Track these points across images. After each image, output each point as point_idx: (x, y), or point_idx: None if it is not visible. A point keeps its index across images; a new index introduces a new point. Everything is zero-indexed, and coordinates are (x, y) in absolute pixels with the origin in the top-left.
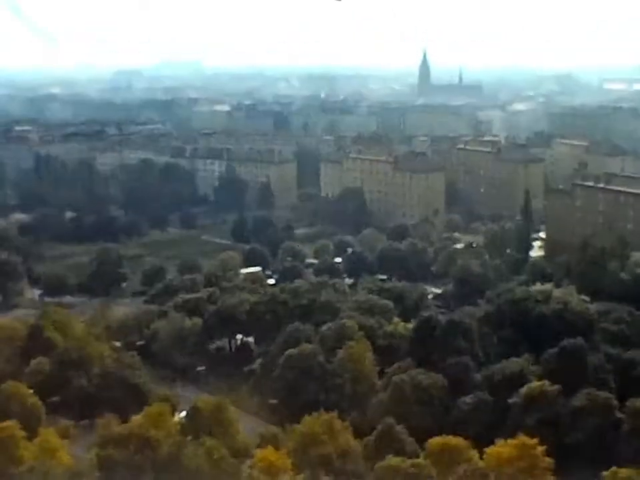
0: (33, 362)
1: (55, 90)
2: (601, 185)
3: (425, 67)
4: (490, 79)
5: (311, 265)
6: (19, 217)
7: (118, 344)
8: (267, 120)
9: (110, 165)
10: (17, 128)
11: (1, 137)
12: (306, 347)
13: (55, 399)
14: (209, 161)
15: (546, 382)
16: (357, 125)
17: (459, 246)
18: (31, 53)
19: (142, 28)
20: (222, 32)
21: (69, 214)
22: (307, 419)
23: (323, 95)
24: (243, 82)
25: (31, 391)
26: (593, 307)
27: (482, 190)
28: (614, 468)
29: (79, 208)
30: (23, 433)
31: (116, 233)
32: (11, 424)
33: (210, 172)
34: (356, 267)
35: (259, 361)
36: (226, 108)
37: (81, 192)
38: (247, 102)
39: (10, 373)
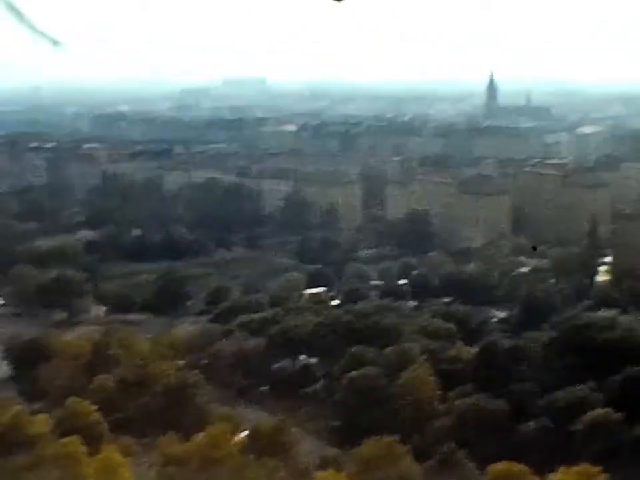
0: (97, 379)
1: (123, 108)
2: None
3: (492, 88)
4: (558, 100)
5: (375, 287)
6: (86, 234)
7: (181, 362)
8: (333, 140)
9: (176, 184)
10: (85, 146)
11: (69, 154)
12: (369, 369)
13: (118, 416)
14: (274, 181)
15: (609, 409)
16: (423, 146)
17: (525, 270)
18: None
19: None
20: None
21: (135, 232)
22: (367, 442)
23: (389, 116)
24: (308, 101)
25: (94, 407)
26: None
27: (548, 213)
28: None
29: (145, 226)
30: (85, 449)
31: (181, 252)
32: (73, 440)
33: (275, 192)
34: (420, 289)
35: (321, 382)
36: (292, 128)
37: (147, 210)
38: (314, 122)
39: (74, 389)
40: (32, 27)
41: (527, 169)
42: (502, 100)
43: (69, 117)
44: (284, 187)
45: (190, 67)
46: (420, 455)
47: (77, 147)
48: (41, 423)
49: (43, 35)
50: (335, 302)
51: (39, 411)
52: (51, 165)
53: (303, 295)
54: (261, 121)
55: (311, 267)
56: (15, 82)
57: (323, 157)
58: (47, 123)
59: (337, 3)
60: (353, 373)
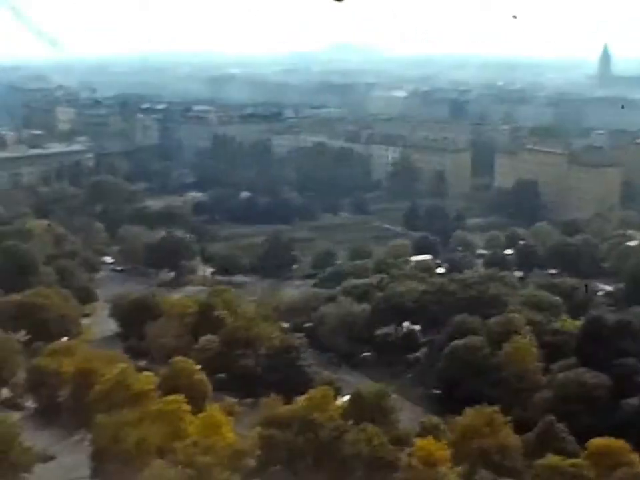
0: (202, 339)
1: (234, 71)
2: None
3: (605, 57)
4: None
5: (481, 255)
6: (195, 195)
7: (285, 325)
8: (443, 107)
9: (285, 148)
10: (196, 108)
11: (179, 116)
12: (472, 339)
13: (222, 376)
14: (383, 147)
15: None
16: (534, 116)
17: (633, 243)
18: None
19: (315, 11)
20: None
21: (243, 194)
22: (468, 411)
23: (500, 84)
24: (418, 68)
25: (199, 367)
26: None
27: None
28: None
29: (254, 189)
30: (189, 408)
31: (289, 216)
32: (177, 398)
33: (384, 158)
34: (526, 260)
35: (423, 350)
36: (402, 94)
37: (256, 173)
38: (423, 88)
39: (179, 348)
40: (31, 27)
41: (639, 140)
42: (616, 71)
43: (179, 79)
44: (392, 153)
45: (299, 31)
46: (520, 427)
47: (187, 109)
48: (147, 380)
49: (41, 34)
50: (440, 270)
51: (144, 369)
52: (161, 126)
53: (409, 261)
54: (370, 86)
55: (418, 234)
56: (126, 45)
57: (432, 124)
58: (157, 84)
59: (337, 2)
60: (456, 342)
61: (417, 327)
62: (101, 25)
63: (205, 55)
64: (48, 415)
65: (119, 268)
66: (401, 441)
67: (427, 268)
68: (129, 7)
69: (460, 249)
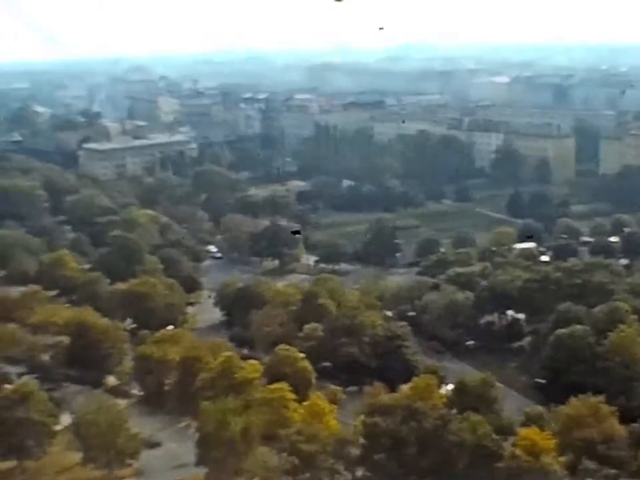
0: (306, 327)
1: (335, 59)
2: None
3: None
4: None
5: (586, 243)
6: (298, 184)
7: (389, 313)
8: (546, 93)
9: (387, 135)
10: (298, 96)
11: (281, 105)
12: (577, 328)
13: (325, 364)
14: (485, 134)
15: None
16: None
17: None
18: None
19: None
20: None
21: (346, 183)
22: (573, 401)
23: (603, 68)
24: (520, 53)
25: (303, 355)
26: None
27: None
28: None
29: (356, 177)
30: (293, 396)
31: (391, 203)
32: (282, 386)
33: (486, 145)
34: (633, 247)
35: (527, 338)
36: (504, 80)
37: (358, 161)
38: (526, 74)
39: (283, 337)
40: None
41: None
42: None
43: (280, 69)
44: (495, 140)
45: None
46: (625, 416)
47: (288, 98)
48: (251, 368)
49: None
50: (545, 257)
51: (249, 357)
52: (264, 115)
53: (513, 249)
54: (472, 73)
55: (521, 221)
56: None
57: (535, 110)
58: (258, 74)
59: (337, 2)
60: (561, 331)
61: (521, 316)
62: (205, 22)
63: (306, 47)
64: (154, 402)
65: (218, 255)
66: (504, 431)
67: (530, 256)
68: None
69: (564, 236)
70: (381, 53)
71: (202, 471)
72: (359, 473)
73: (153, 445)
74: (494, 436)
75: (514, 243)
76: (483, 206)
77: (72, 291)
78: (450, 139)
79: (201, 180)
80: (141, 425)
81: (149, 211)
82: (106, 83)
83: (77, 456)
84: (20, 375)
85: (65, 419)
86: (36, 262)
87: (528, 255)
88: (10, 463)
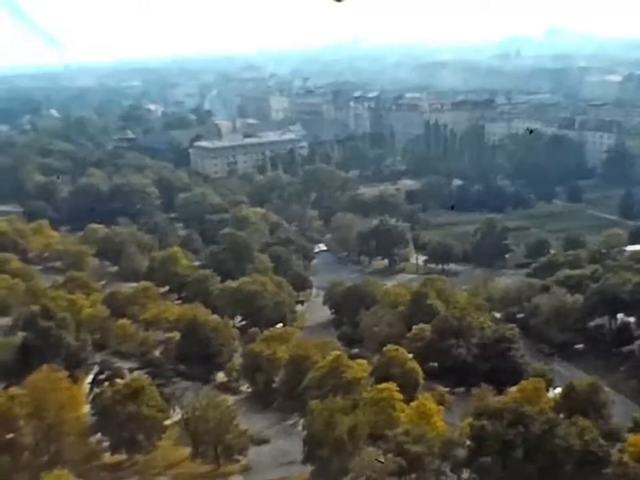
0: (415, 328)
1: (445, 57)
2: None
3: None
4: None
5: None
6: (407, 183)
7: (498, 315)
8: None
9: (498, 135)
10: (408, 95)
11: (391, 104)
12: None
13: (433, 365)
14: (598, 134)
15: None
16: None
17: None
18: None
19: None
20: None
21: (455, 182)
22: None
23: None
24: (633, 50)
25: (411, 356)
26: None
27: None
28: None
29: (466, 177)
30: (400, 396)
31: (502, 204)
32: (390, 386)
33: (598, 144)
34: None
35: (638, 342)
36: (617, 78)
37: (468, 161)
38: (639, 72)
39: (392, 337)
40: (32, 25)
41: None
42: None
43: (390, 66)
44: (607, 140)
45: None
46: None
47: (399, 97)
48: (360, 368)
49: (42, 33)
50: None
51: (357, 356)
52: (373, 113)
53: (624, 251)
54: (584, 71)
55: (633, 223)
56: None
57: None
58: (369, 72)
59: (337, 2)
60: None
61: (632, 319)
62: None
63: (416, 44)
64: (262, 399)
65: (323, 249)
66: (612, 436)
67: None
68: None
69: None
70: (491, 48)
71: (308, 468)
72: (465, 475)
73: (261, 441)
74: (601, 441)
75: (625, 245)
76: (594, 207)
77: (183, 288)
78: (561, 139)
79: (311, 178)
80: (250, 422)
81: (260, 209)
82: (217, 81)
83: (186, 451)
84: (131, 370)
85: (175, 414)
86: (148, 258)
87: (639, 258)
88: (120, 457)
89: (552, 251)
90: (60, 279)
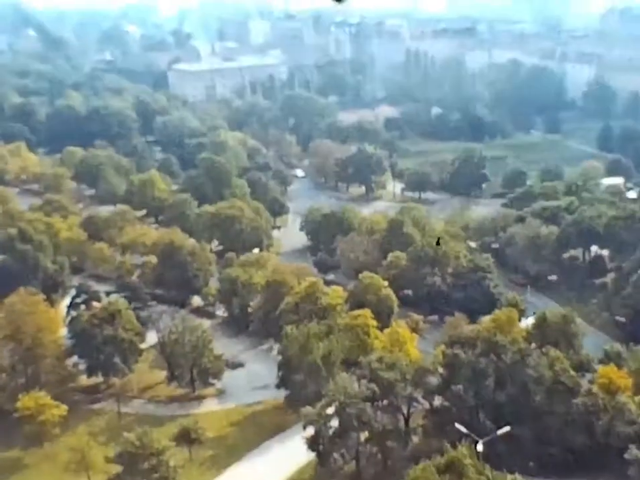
0: (390, 255)
1: None
2: None
3: None
4: None
5: None
6: (386, 110)
7: (473, 245)
8: None
9: (478, 64)
10: (389, 22)
11: (372, 30)
12: None
13: (408, 293)
14: (578, 65)
15: None
16: None
17: None
18: None
19: None
20: None
21: (434, 110)
22: None
23: None
24: None
25: (386, 283)
26: None
27: None
28: None
29: (445, 105)
30: (375, 323)
31: (480, 133)
32: (365, 312)
33: (578, 77)
34: None
35: (611, 275)
36: (600, 9)
37: (447, 89)
38: (622, 3)
39: (368, 264)
40: None
41: None
42: None
43: None
44: (587, 72)
45: None
46: None
47: (380, 23)
48: (335, 294)
49: None
50: (632, 194)
51: (333, 283)
52: (354, 40)
53: (600, 184)
54: (566, 1)
55: (610, 156)
56: None
57: (630, 42)
58: None
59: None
60: None
61: (605, 252)
62: None
63: None
64: (238, 323)
65: (301, 175)
66: (582, 367)
67: (618, 192)
68: None
69: None
70: None
71: (283, 393)
72: (437, 402)
73: (236, 365)
74: (572, 372)
75: (602, 178)
76: (573, 139)
77: (160, 212)
78: (541, 70)
79: (290, 104)
80: (225, 346)
81: (238, 134)
82: (196, 4)
83: (162, 374)
84: (108, 293)
85: (151, 338)
86: (125, 182)
87: (615, 191)
88: (97, 379)
89: (528, 182)
90: (37, 201)
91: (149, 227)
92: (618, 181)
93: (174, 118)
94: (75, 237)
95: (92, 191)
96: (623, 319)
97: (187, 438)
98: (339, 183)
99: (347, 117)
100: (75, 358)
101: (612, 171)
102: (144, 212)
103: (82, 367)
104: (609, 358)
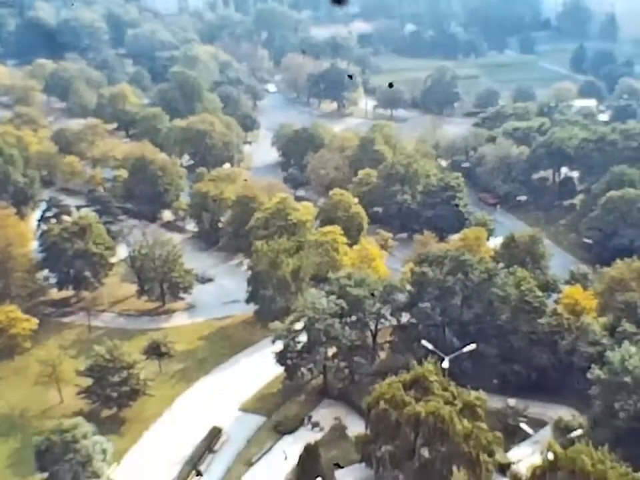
0: (361, 173)
1: None
2: None
3: None
4: None
5: None
6: (359, 26)
7: (444, 163)
8: None
9: None
10: None
11: None
12: (629, 191)
13: (378, 210)
14: None
15: None
16: None
17: None
18: None
19: None
20: None
21: (408, 27)
22: (618, 263)
23: None
24: None
25: (356, 200)
26: None
27: None
28: None
29: (419, 22)
30: (344, 239)
31: (453, 51)
32: (335, 229)
33: None
34: None
35: (580, 197)
36: None
37: (422, 6)
38: None
39: (338, 181)
40: None
41: None
42: None
43: None
44: None
45: None
46: None
47: None
48: (305, 210)
49: None
50: (604, 117)
51: (303, 199)
52: None
53: (572, 106)
54: None
55: (584, 78)
56: None
57: None
58: None
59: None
60: (613, 192)
61: (575, 174)
62: None
63: None
64: (208, 238)
65: (273, 90)
66: (549, 287)
67: (590, 114)
68: None
69: (625, 96)
70: None
71: (252, 308)
72: (404, 319)
73: (206, 280)
74: (538, 292)
75: (574, 99)
76: (546, 59)
77: (131, 126)
78: None
79: (262, 17)
80: (195, 261)
81: (210, 48)
82: None
83: (132, 288)
84: (79, 207)
85: (122, 252)
86: (96, 95)
87: (587, 113)
88: (67, 293)
89: (501, 102)
90: (7, 114)
91: (120, 140)
92: (590, 103)
93: (145, 30)
94: (45, 150)
95: (62, 104)
96: (590, 241)
97: (156, 351)
98: (311, 98)
99: (321, 32)
100: (45, 272)
101: (585, 92)
102: (115, 125)
103: (52, 280)
104: (575, 279)
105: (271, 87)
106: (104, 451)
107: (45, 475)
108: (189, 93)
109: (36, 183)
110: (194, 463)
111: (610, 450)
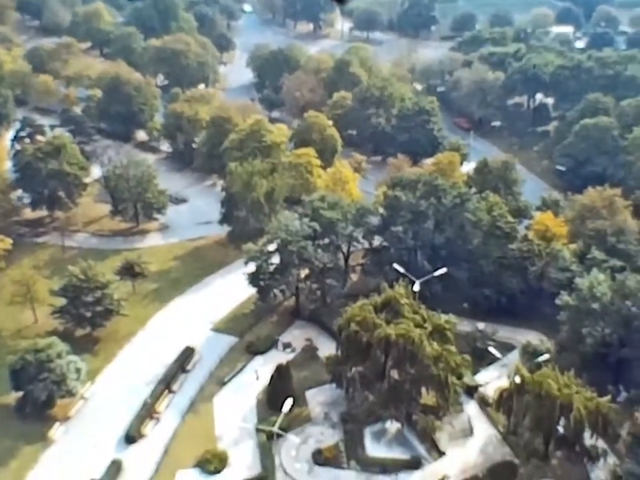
0: (336, 95)
1: None
2: None
3: None
4: None
5: (624, 33)
6: None
7: (419, 87)
8: None
9: None
10: None
11: None
12: (603, 119)
13: (352, 133)
14: None
15: None
16: None
17: None
18: None
19: None
20: None
21: None
22: (590, 190)
23: None
24: None
25: (331, 122)
26: None
27: None
28: None
29: None
30: (319, 162)
31: None
32: (309, 151)
33: None
34: None
35: (554, 124)
36: None
37: None
38: None
39: (313, 103)
40: None
41: None
42: None
43: None
44: None
45: None
46: (639, 212)
47: None
48: (280, 132)
49: None
50: (580, 44)
51: (278, 120)
52: None
53: (549, 32)
54: None
55: (561, 4)
56: None
57: None
58: None
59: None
60: (587, 120)
61: (550, 101)
62: None
63: None
64: (182, 159)
65: (249, 10)
66: (520, 213)
67: (566, 41)
68: None
69: (602, 24)
70: None
71: (225, 229)
72: (376, 242)
73: (180, 201)
74: (509, 218)
75: (551, 26)
76: None
77: (106, 45)
78: None
79: None
80: (169, 181)
81: None
82: None
83: (106, 208)
84: (53, 127)
85: (96, 172)
86: (70, 13)
87: (563, 40)
88: (41, 213)
89: (478, 26)
90: None
91: (94, 59)
92: (567, 29)
93: None
94: (18, 69)
95: (36, 22)
96: (562, 168)
97: (130, 272)
98: (287, 19)
99: None
100: (19, 191)
101: (562, 19)
102: (89, 44)
103: (26, 200)
104: (546, 205)
105: (247, 7)
106: (78, 370)
107: (20, 393)
108: (164, 12)
109: (9, 102)
110: (167, 382)
111: (576, 375)
